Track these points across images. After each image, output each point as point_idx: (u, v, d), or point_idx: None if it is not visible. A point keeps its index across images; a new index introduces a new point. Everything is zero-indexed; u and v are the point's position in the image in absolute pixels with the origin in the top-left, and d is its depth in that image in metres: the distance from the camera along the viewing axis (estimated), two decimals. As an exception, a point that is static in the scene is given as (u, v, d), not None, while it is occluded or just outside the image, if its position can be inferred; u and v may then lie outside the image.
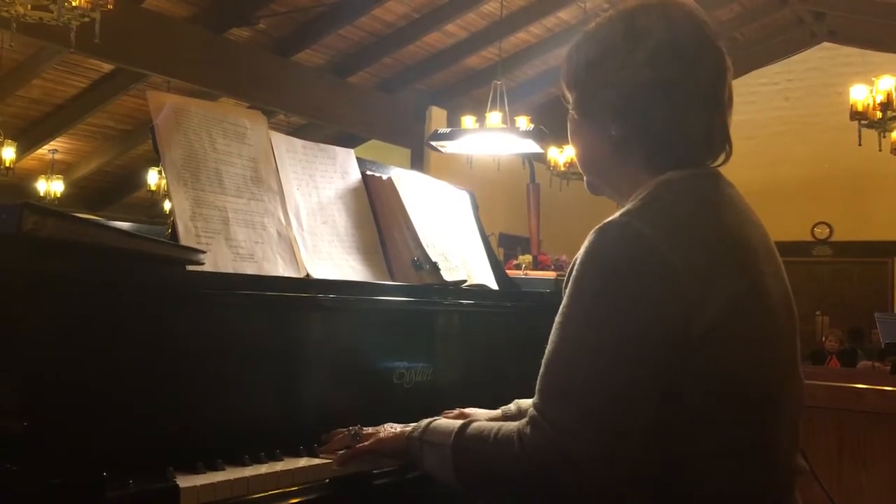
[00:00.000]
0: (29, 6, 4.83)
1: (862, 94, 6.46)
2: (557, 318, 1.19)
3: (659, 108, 1.25)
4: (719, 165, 1.32)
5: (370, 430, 1.47)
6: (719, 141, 1.30)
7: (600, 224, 1.20)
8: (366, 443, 1.43)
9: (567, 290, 1.19)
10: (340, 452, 1.43)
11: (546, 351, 1.19)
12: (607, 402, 1.13)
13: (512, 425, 1.22)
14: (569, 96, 1.38)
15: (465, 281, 2.00)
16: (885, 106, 6.31)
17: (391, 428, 1.45)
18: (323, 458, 1.44)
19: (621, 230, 1.17)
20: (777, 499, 1.25)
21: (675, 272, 1.14)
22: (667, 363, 1.14)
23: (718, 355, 1.15)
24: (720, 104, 1.29)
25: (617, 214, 1.20)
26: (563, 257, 4.58)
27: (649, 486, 1.18)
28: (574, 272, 1.19)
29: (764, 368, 1.21)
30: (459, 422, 1.32)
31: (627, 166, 1.30)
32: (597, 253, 1.17)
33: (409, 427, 1.40)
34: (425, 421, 1.38)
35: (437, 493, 1.59)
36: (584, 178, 1.42)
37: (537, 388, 1.18)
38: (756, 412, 1.20)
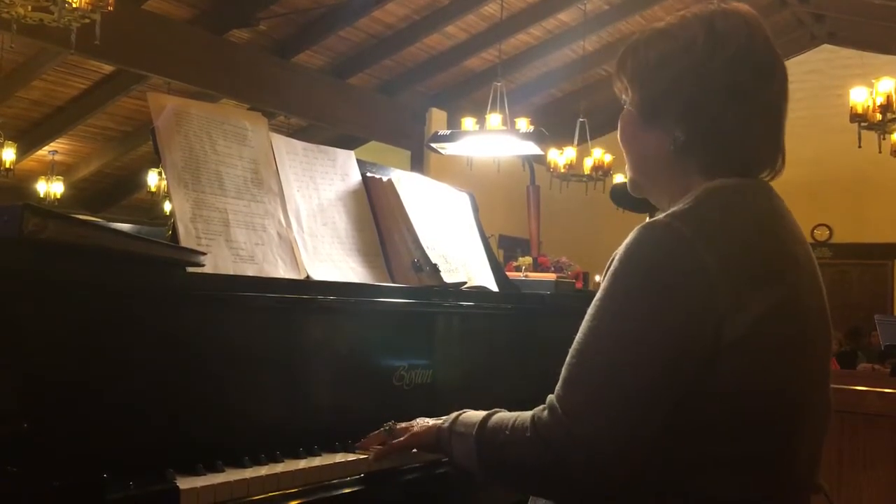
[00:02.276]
0: (29, 7, 4.83)
1: (862, 97, 6.45)
2: (590, 310, 1.20)
3: (728, 115, 1.24)
4: (770, 179, 1.31)
5: (403, 425, 1.50)
6: (777, 154, 1.30)
7: (645, 222, 1.20)
8: (401, 438, 1.47)
9: (603, 283, 1.20)
10: (376, 448, 1.48)
11: (575, 340, 1.20)
12: (623, 395, 1.14)
13: (529, 413, 1.23)
14: (630, 92, 1.33)
15: (465, 283, 2.00)
16: (885, 108, 6.30)
17: (423, 422, 1.48)
18: (359, 453, 1.48)
19: (664, 231, 1.17)
20: None
21: (713, 278, 1.13)
22: (691, 366, 1.14)
23: (747, 365, 1.15)
24: (782, 119, 1.29)
25: (662, 215, 1.20)
26: (563, 259, 4.58)
27: (661, 487, 1.19)
28: (612, 266, 1.20)
29: (792, 383, 1.20)
30: (485, 413, 1.34)
31: (684, 170, 1.28)
32: (637, 250, 1.18)
33: (441, 420, 1.43)
34: (455, 413, 1.41)
35: (438, 493, 1.59)
36: (629, 176, 1.39)
37: (561, 375, 1.20)
38: (778, 425, 1.19)
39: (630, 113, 1.34)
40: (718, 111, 1.24)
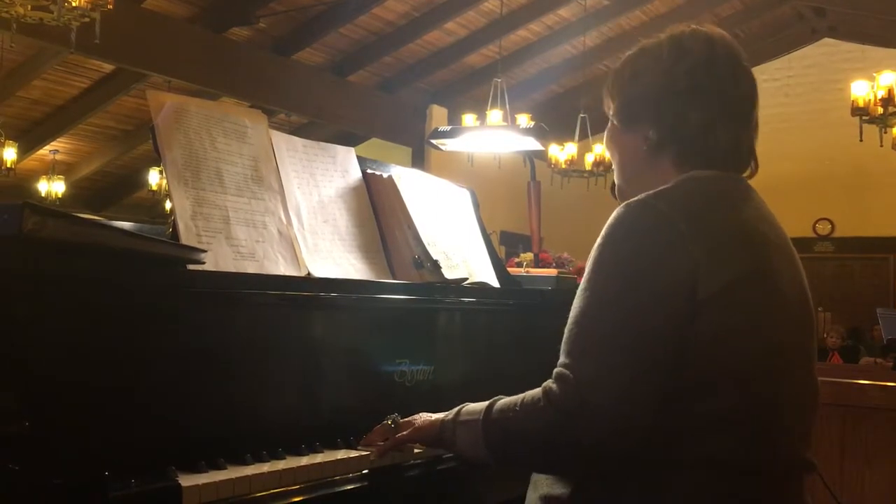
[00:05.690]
0: (29, 7, 4.82)
1: (863, 90, 6.44)
2: (581, 284, 1.29)
3: (691, 113, 1.37)
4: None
5: (406, 420, 1.52)
6: (746, 156, 1.41)
7: (624, 203, 1.31)
8: (404, 432, 1.50)
9: (590, 259, 1.30)
10: (380, 444, 1.50)
11: (570, 314, 1.28)
12: (625, 356, 1.21)
13: (538, 389, 1.28)
14: (611, 105, 1.49)
15: (466, 279, 2.00)
16: (887, 101, 6.30)
17: (426, 416, 1.51)
18: (361, 449, 1.49)
19: (642, 207, 1.29)
20: (780, 482, 1.28)
21: (687, 244, 1.24)
22: (678, 326, 1.22)
23: (721, 321, 1.22)
24: (749, 123, 1.42)
25: (639, 196, 1.31)
26: (565, 255, 4.57)
27: (659, 451, 1.23)
28: (597, 243, 1.30)
29: (769, 344, 1.27)
30: (488, 401, 1.39)
31: (659, 168, 1.41)
32: (617, 225, 1.29)
33: (444, 414, 1.46)
34: (458, 406, 1.44)
35: (439, 490, 1.59)
36: (615, 184, 1.52)
37: (562, 348, 1.27)
38: (757, 387, 1.25)
39: (612, 124, 1.50)
40: (682, 110, 1.37)
